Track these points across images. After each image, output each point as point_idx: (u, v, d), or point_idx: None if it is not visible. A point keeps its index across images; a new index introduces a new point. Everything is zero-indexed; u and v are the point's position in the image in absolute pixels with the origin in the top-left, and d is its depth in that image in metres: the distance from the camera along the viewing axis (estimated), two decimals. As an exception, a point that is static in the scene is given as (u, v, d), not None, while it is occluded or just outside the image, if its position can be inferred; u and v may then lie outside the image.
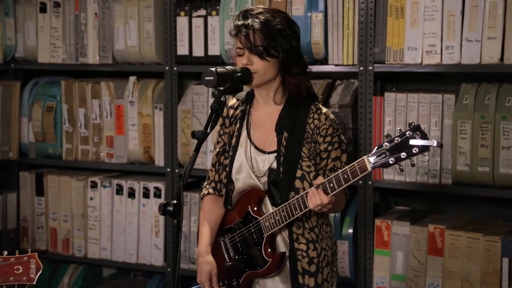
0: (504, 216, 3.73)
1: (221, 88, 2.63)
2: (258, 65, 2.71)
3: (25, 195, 4.65)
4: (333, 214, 3.70)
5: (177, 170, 4.17)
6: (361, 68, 3.66)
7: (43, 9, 4.47)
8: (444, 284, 3.56)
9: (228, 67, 2.67)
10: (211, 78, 2.59)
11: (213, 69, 2.61)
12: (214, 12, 3.97)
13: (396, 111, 3.64)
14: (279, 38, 2.70)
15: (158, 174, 4.29)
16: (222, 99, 2.62)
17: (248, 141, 2.80)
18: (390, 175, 3.68)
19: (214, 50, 3.99)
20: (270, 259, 2.75)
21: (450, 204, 3.90)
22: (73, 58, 4.39)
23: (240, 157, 2.80)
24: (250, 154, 2.78)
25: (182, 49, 4.07)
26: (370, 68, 3.64)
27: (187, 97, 4.14)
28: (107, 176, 4.43)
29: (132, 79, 4.26)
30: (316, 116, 2.75)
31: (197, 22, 4.02)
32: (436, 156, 3.56)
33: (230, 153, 2.82)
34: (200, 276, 2.80)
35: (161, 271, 4.30)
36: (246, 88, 3.40)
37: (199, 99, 4.06)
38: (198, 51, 4.03)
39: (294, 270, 2.74)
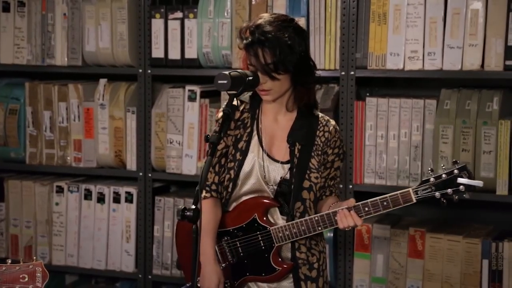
0: (477, 219, 3.81)
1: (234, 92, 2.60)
2: (270, 84, 2.70)
3: (-17, 201, 4.50)
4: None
5: (150, 175, 4.10)
6: (343, 73, 3.68)
7: (6, 9, 4.31)
8: (424, 286, 3.62)
9: (239, 70, 2.64)
10: (225, 81, 2.55)
11: (226, 72, 2.57)
12: (191, 15, 3.93)
13: (377, 116, 3.68)
14: (288, 57, 2.65)
15: (130, 179, 4.20)
16: (234, 102, 2.59)
17: (260, 148, 2.78)
18: (371, 179, 3.70)
19: (191, 54, 3.94)
20: (280, 268, 2.76)
21: (422, 206, 3.94)
22: (39, 60, 4.25)
23: (250, 162, 2.77)
24: (263, 161, 2.76)
25: (157, 52, 4.00)
26: (352, 73, 3.67)
27: (161, 100, 4.08)
28: (74, 180, 4.31)
29: (103, 81, 4.16)
30: (326, 128, 2.80)
31: (174, 25, 3.96)
32: (418, 160, 3.61)
33: (239, 157, 2.78)
34: (210, 285, 2.76)
35: (132, 278, 4.21)
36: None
37: (174, 103, 4.00)
38: (174, 54, 3.97)
39: (297, 277, 2.76)
